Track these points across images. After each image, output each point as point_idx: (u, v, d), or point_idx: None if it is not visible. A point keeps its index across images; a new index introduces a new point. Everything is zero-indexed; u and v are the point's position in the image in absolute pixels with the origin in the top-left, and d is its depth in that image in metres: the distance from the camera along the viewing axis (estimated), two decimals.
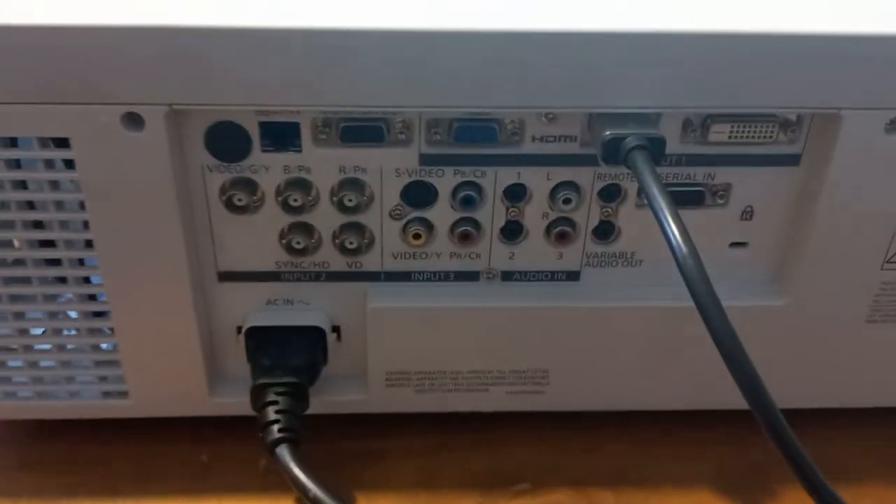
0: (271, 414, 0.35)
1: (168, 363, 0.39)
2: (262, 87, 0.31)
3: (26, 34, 0.30)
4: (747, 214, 0.38)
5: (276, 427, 0.35)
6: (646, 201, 0.36)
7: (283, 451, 0.34)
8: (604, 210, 0.37)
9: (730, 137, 0.35)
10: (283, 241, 0.36)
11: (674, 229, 0.30)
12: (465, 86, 0.32)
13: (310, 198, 0.35)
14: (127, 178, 0.33)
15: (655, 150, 0.32)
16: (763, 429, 0.31)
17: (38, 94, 0.31)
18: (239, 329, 0.39)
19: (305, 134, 0.34)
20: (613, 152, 0.32)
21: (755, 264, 0.39)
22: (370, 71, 0.31)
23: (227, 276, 0.38)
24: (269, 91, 0.32)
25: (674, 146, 0.35)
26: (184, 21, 0.30)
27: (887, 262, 0.38)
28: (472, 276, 0.39)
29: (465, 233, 0.37)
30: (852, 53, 0.32)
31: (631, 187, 0.36)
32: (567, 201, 0.36)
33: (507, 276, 0.39)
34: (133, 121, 0.32)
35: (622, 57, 0.31)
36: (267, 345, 0.38)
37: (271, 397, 0.36)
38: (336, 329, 0.40)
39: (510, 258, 0.38)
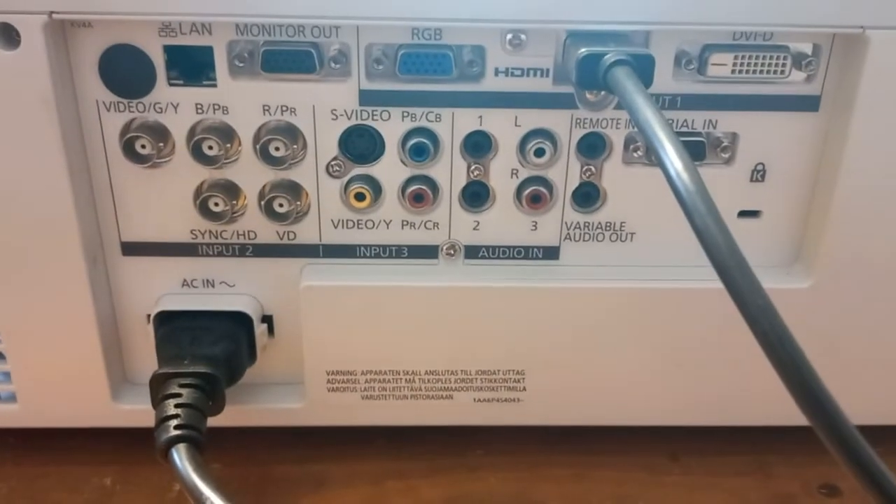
0: (170, 408, 0.28)
1: (61, 360, 0.32)
2: None
3: None
4: (759, 174, 0.31)
5: (173, 423, 0.28)
6: (633, 128, 0.30)
7: (180, 452, 0.27)
8: (585, 169, 0.31)
9: (733, 72, 0.29)
10: (199, 202, 0.30)
11: (671, 152, 0.23)
12: None
13: (229, 145, 0.29)
14: None
15: (642, 70, 0.26)
16: (836, 451, 0.20)
17: None
18: (150, 317, 0.32)
19: (220, 62, 0.28)
20: (590, 73, 0.26)
21: (771, 238, 0.32)
22: None
23: (132, 249, 0.31)
24: None
25: (666, 83, 0.29)
26: None
27: None
28: (429, 252, 0.32)
29: (419, 193, 0.30)
30: None
31: (617, 137, 0.30)
32: (540, 153, 0.30)
33: (472, 252, 0.32)
34: (6, 34, 0.26)
35: None
36: (179, 332, 0.31)
37: (173, 389, 0.29)
38: (268, 320, 0.33)
39: (475, 229, 0.32)
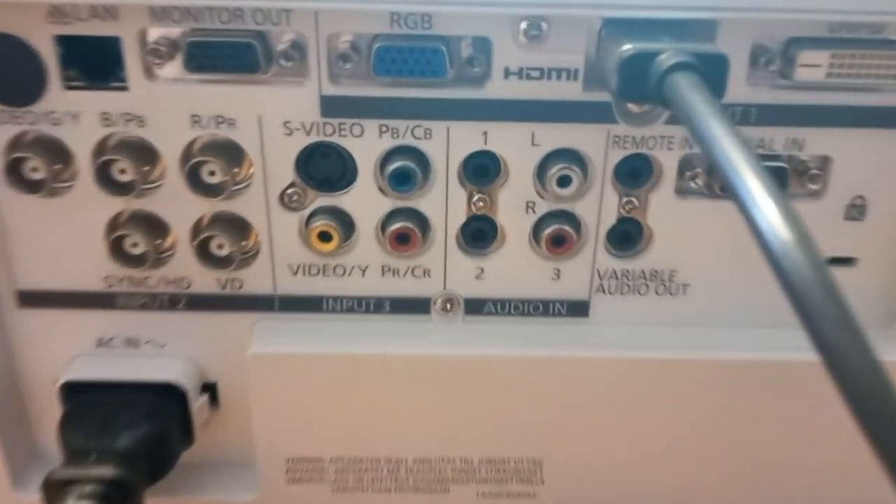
0: None
1: None
2: None
3: None
4: (856, 211, 0.24)
5: None
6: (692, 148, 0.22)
7: None
8: (626, 201, 0.23)
9: (829, 76, 0.21)
10: (112, 241, 0.23)
11: (764, 206, 0.15)
12: None
13: (148, 167, 0.22)
14: None
15: (711, 76, 0.18)
16: None
17: None
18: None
19: (132, 58, 0.21)
20: (638, 80, 0.19)
21: (868, 292, 0.25)
22: None
23: (32, 299, 0.24)
24: None
25: (737, 90, 0.22)
26: None
27: None
28: (418, 307, 0.25)
29: (403, 232, 0.23)
30: None
31: (668, 160, 0.23)
32: (565, 181, 0.22)
33: (474, 306, 0.25)
34: None
35: None
36: (89, 412, 0.24)
37: (70, 501, 0.21)
38: (210, 388, 0.26)
39: (477, 277, 0.24)
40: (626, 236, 0.24)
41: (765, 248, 0.15)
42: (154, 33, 0.21)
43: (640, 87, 0.19)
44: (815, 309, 0.14)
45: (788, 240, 0.14)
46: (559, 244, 0.23)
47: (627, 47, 0.19)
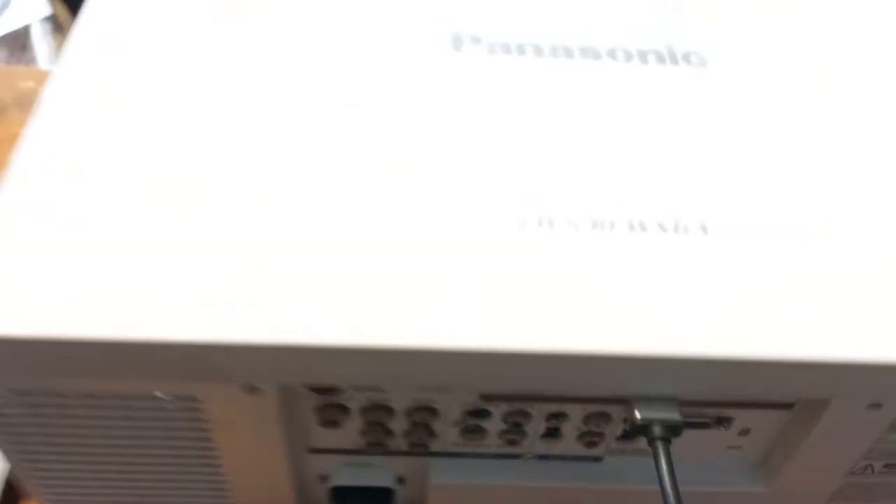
0: None
1: None
2: None
3: None
4: (745, 432, 0.44)
5: None
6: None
7: None
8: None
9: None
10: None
11: None
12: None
13: None
14: None
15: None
16: None
17: None
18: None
19: None
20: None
21: (746, 457, 0.46)
22: None
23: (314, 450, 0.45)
24: None
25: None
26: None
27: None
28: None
29: (511, 439, 0.44)
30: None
31: None
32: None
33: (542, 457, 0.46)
34: None
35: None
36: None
37: None
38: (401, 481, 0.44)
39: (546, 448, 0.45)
40: (630, 435, 0.45)
41: None
42: None
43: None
44: None
45: None
46: (591, 445, 0.45)
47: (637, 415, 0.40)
